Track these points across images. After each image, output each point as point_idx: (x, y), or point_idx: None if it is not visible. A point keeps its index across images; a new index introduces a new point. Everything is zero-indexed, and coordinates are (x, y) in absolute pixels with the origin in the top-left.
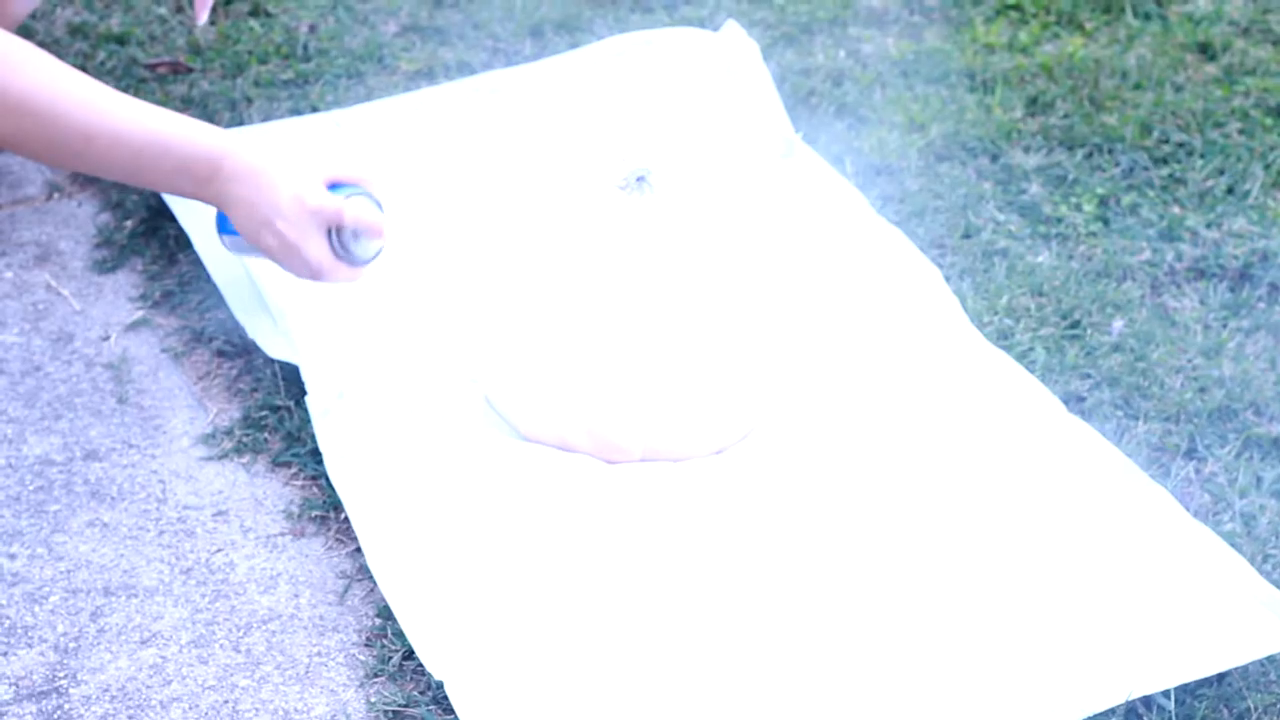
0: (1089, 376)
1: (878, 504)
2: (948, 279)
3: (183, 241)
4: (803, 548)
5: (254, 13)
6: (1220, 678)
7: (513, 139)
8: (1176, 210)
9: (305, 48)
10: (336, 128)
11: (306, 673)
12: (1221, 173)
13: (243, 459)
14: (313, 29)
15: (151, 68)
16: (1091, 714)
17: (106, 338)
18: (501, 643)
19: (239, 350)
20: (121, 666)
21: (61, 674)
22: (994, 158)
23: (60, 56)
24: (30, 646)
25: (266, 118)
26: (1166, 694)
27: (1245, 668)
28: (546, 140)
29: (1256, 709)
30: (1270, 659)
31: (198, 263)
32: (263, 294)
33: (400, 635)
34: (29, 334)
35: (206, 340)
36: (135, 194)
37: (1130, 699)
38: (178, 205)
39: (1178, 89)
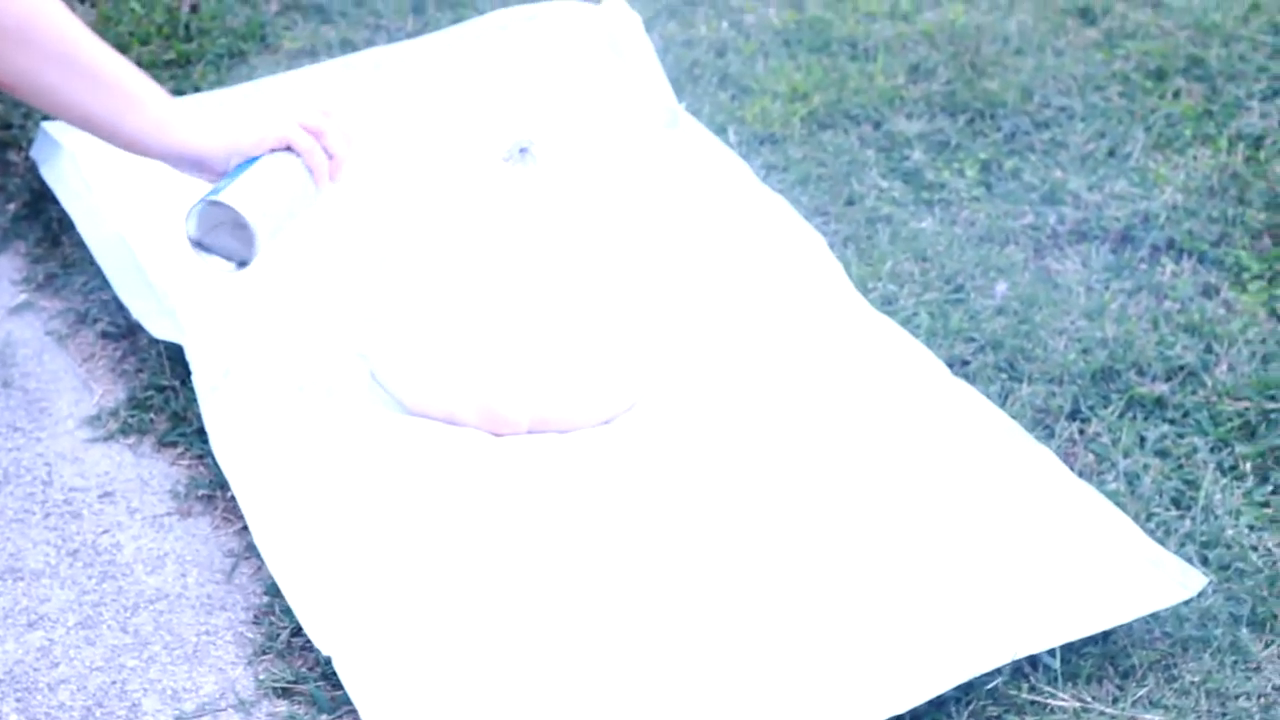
0: (973, 340)
1: (765, 471)
2: (831, 246)
3: (65, 224)
4: (691, 516)
5: None
6: (1105, 635)
7: (396, 115)
8: (1058, 174)
9: (187, 27)
10: (220, 109)
11: (195, 651)
12: (1102, 136)
13: (128, 440)
14: (194, 8)
15: None
16: (978, 674)
17: None
18: (389, 618)
19: (123, 331)
20: (9, 649)
21: None
22: (876, 125)
23: None
24: None
25: None
26: (1052, 653)
27: (1129, 625)
28: (430, 115)
29: (1141, 665)
30: (1154, 616)
31: (81, 245)
32: (146, 274)
33: (288, 612)
34: None
35: (91, 322)
36: (17, 176)
37: (1016, 658)
38: (60, 187)
39: (1058, 53)
